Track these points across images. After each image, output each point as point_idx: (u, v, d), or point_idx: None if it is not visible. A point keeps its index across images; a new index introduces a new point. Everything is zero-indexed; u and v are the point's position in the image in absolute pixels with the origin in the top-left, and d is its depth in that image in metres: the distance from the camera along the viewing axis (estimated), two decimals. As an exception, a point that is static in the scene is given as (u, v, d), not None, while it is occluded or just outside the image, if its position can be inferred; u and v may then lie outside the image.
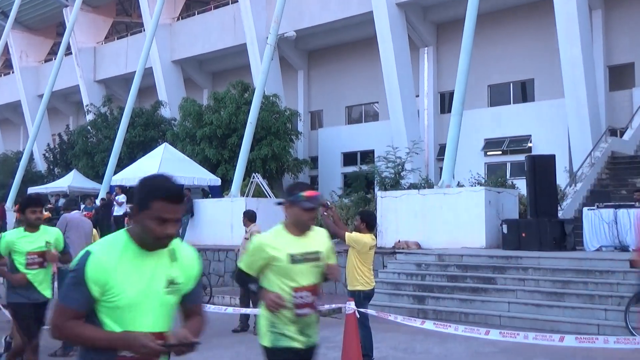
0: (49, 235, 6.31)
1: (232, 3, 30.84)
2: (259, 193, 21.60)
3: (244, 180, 21.84)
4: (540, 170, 14.49)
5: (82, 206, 21.65)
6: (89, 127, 31.57)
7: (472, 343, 8.68)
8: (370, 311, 7.72)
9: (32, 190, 27.50)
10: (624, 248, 13.28)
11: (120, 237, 2.76)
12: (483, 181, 18.85)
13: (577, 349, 8.20)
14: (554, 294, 10.77)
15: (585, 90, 21.38)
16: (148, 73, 29.76)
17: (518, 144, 24.61)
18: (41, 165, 36.94)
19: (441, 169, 18.26)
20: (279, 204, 4.38)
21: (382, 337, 8.56)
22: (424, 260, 13.34)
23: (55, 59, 32.67)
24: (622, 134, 21.91)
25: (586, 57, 21.42)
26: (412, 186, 18.33)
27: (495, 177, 19.03)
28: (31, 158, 33.61)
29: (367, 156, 26.13)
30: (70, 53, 36.20)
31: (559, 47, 21.61)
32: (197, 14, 33.47)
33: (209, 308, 9.02)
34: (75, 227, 9.58)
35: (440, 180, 16.61)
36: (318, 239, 4.24)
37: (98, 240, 2.86)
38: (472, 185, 17.33)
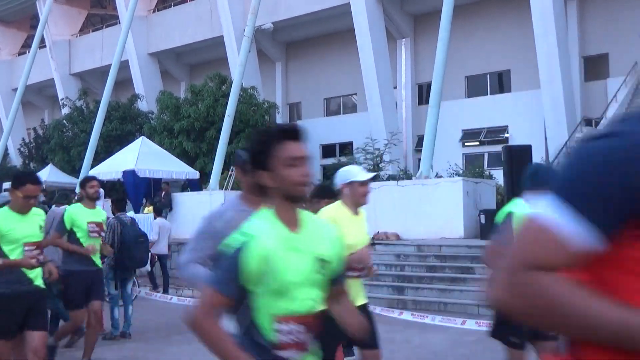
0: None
1: (208, -5, 30.63)
2: (237, 186, 21.53)
3: (222, 173, 21.76)
4: (517, 160, 14.58)
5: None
6: (64, 121, 31.22)
7: (452, 332, 8.77)
8: (349, 302, 7.75)
9: (7, 186, 27.15)
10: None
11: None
12: (461, 172, 19.00)
13: (554, 337, 8.31)
14: (531, 283, 10.88)
15: (561, 81, 21.60)
16: (124, 66, 29.45)
17: (495, 134, 24.81)
18: (16, 160, 36.45)
19: (419, 160, 18.34)
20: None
21: (361, 328, 8.59)
22: (403, 251, 13.41)
23: (29, 52, 32.21)
24: (597, 124, 22.13)
25: (561, 48, 21.63)
26: (391, 177, 18.41)
27: (473, 168, 19.19)
28: (6, 153, 33.17)
29: (346, 148, 26.21)
30: (45, 46, 35.71)
31: (534, 38, 21.79)
32: (173, 5, 33.20)
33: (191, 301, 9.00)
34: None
35: (419, 172, 16.69)
36: None
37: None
38: (450, 176, 17.46)
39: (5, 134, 31.05)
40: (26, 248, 5.08)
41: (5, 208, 5.22)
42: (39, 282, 5.25)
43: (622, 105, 21.90)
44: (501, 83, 26.03)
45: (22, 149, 34.68)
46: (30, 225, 5.17)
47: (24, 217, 5.10)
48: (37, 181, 5.16)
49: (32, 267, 5.12)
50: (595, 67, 23.80)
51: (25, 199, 5.01)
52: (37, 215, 5.33)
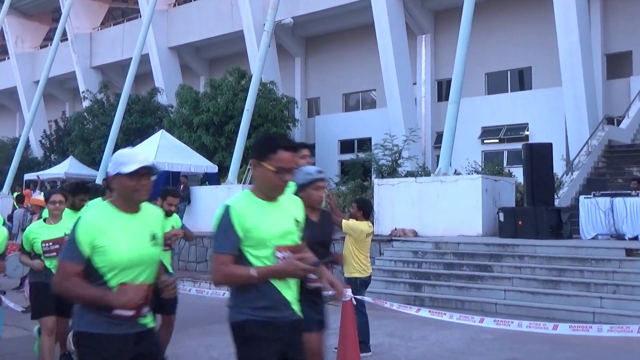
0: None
1: (229, -11, 30.67)
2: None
3: (241, 167, 21.83)
4: (537, 158, 14.50)
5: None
6: (85, 114, 31.48)
7: (468, 330, 8.73)
8: (367, 298, 7.75)
9: (28, 177, 27.46)
10: (620, 236, 13.33)
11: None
12: (480, 169, 18.87)
13: (571, 337, 8.25)
14: (550, 282, 10.81)
15: (583, 78, 21.35)
16: (144, 60, 29.62)
17: (515, 132, 24.63)
18: (38, 152, 36.83)
19: (438, 156, 18.28)
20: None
21: (378, 324, 8.60)
22: (420, 248, 13.36)
23: (51, 45, 32.44)
24: (619, 123, 21.92)
25: (584, 46, 21.38)
26: (409, 174, 18.33)
27: (492, 165, 19.05)
28: (27, 144, 33.51)
29: (364, 144, 26.13)
30: (66, 39, 36.03)
31: (556, 35, 21.57)
32: (194, 0, 33.28)
33: (208, 293, 9.05)
34: None
35: (437, 168, 16.60)
36: None
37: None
38: (469, 173, 17.36)
39: (27, 125, 31.38)
40: None
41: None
42: None
43: (645, 104, 21.66)
44: (522, 80, 25.83)
45: (43, 140, 35.03)
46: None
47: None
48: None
49: None
50: (618, 64, 23.54)
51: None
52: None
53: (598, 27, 23.17)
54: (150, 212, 3.43)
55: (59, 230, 6.23)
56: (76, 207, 6.63)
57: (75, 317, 3.33)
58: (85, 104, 32.66)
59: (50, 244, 6.24)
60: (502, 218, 14.09)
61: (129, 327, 3.21)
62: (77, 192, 6.76)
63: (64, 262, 3.19)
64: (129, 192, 3.27)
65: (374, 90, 29.11)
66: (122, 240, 3.20)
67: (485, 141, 25.34)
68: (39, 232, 6.34)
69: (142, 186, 3.28)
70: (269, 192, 3.36)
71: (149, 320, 3.36)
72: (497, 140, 25.10)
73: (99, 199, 7.44)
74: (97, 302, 3.15)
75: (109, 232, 3.20)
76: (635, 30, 22.76)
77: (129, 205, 3.32)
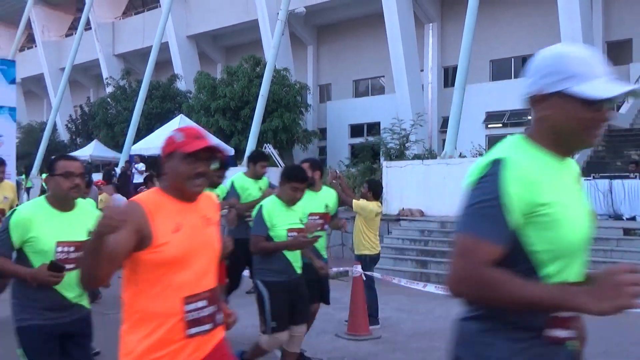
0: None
1: (244, -20, 30.53)
2: (270, 163, 21.63)
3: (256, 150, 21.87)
4: (539, 142, 14.39)
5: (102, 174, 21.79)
6: (108, 99, 31.59)
7: (472, 305, 8.75)
8: (375, 274, 7.78)
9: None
10: (618, 217, 13.27)
11: None
12: (484, 152, 18.78)
13: (571, 311, 8.26)
14: (550, 260, 10.80)
15: (584, 65, 21.11)
16: (164, 47, 29.62)
17: (519, 117, 24.46)
18: (64, 135, 37.07)
19: (444, 140, 18.20)
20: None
21: (386, 299, 8.64)
22: (427, 227, 13.38)
23: (75, 33, 32.50)
24: (618, 108, 21.72)
25: (585, 33, 21.15)
26: (416, 157, 18.29)
27: (495, 149, 18.96)
28: (54, 128, 33.72)
29: (374, 128, 26.08)
30: (90, 28, 36.06)
31: (559, 23, 21.34)
32: (211, -10, 33.18)
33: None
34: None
35: (443, 152, 16.58)
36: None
37: None
38: (473, 157, 17.29)
39: (53, 110, 31.56)
40: None
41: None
42: None
43: (643, 90, 21.44)
44: (525, 67, 25.62)
45: (69, 125, 35.23)
46: None
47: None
48: None
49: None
50: (618, 52, 23.28)
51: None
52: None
53: (600, 15, 22.91)
54: None
55: None
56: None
57: None
58: (109, 90, 32.77)
59: None
60: (505, 199, 14.02)
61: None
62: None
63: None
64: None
65: (383, 76, 28.98)
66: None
67: (489, 126, 25.21)
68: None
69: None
70: None
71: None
72: (501, 125, 24.95)
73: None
74: None
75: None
76: (635, 18, 22.49)
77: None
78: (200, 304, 2.38)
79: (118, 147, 27.69)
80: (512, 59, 25.65)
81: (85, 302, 3.43)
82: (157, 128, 24.05)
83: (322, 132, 29.78)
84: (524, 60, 25.59)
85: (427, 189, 15.19)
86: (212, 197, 2.68)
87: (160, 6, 32.48)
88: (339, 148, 28.95)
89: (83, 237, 3.14)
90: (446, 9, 26.90)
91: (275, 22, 23.96)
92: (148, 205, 2.32)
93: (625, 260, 10.06)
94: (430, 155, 18.61)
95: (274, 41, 22.95)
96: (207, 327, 2.41)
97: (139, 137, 24.91)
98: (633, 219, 13.01)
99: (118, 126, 29.50)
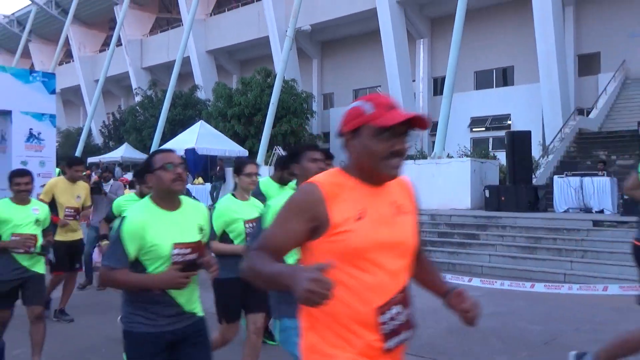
0: None
1: (256, 1, 30.51)
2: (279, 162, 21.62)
3: (267, 152, 21.88)
4: (518, 144, 14.38)
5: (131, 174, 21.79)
6: (137, 107, 31.62)
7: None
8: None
9: (91, 160, 27.72)
10: (588, 210, 13.24)
11: None
12: (469, 153, 18.74)
13: (546, 294, 8.24)
14: (528, 248, 10.77)
15: (558, 76, 21.09)
16: (186, 61, 29.68)
17: (499, 121, 24.41)
18: (98, 139, 37.13)
19: (434, 142, 18.17)
20: None
21: (383, 283, 8.61)
22: (418, 219, 13.34)
23: (108, 49, 32.55)
24: (588, 113, 21.64)
25: (559, 47, 21.09)
26: (409, 157, 18.25)
27: (479, 150, 18.91)
28: (90, 133, 33.80)
29: (371, 132, 25.96)
30: (121, 44, 36.09)
31: (535, 38, 21.27)
32: (227, 10, 33.15)
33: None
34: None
35: (433, 152, 16.56)
36: None
37: None
38: (459, 157, 17.25)
39: (89, 117, 31.66)
40: None
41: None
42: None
43: (610, 97, 21.35)
44: (505, 77, 25.52)
45: (102, 130, 35.28)
46: None
47: None
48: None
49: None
50: (588, 64, 23.18)
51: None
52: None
53: (571, 31, 22.80)
54: None
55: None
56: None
57: None
58: (137, 99, 32.80)
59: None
60: (487, 194, 14.02)
61: None
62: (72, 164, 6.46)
63: None
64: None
65: (379, 86, 28.91)
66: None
67: (473, 129, 25.14)
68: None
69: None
70: None
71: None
72: (484, 129, 24.88)
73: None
74: None
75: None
76: (603, 34, 22.38)
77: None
78: (395, 310, 1.77)
79: (146, 149, 27.71)
80: (494, 70, 25.57)
81: (198, 308, 2.85)
82: (180, 133, 24.08)
83: (326, 136, 29.75)
84: (504, 71, 25.54)
85: (419, 185, 14.80)
86: (405, 180, 1.99)
87: (182, 25, 32.52)
88: (340, 149, 28.90)
89: (196, 237, 2.75)
90: (435, 27, 26.82)
91: (284, 39, 23.93)
92: (326, 187, 1.75)
93: (594, 249, 10.04)
94: (422, 155, 18.58)
95: (282, 55, 22.94)
96: (404, 336, 1.81)
97: (164, 140, 24.94)
98: (601, 211, 12.97)
99: (146, 131, 29.52)
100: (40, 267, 4.73)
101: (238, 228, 3.96)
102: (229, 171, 21.18)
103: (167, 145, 22.36)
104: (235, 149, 22.63)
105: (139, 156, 27.66)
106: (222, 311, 4.03)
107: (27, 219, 4.62)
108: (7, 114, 12.51)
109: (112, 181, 9.58)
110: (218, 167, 20.41)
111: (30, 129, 12.57)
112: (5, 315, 4.58)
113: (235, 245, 3.95)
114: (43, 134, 12.66)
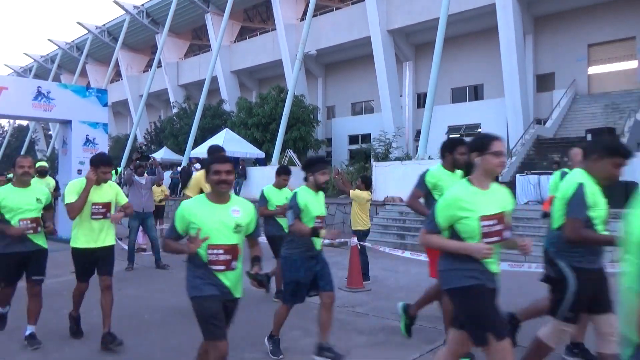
0: None
1: (272, 30, 30.45)
2: (291, 163, 21.64)
3: (280, 154, 21.87)
4: (487, 148, 14.26)
5: (170, 172, 21.85)
6: (174, 117, 31.63)
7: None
8: (367, 244, 7.77)
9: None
10: (544, 202, 13.18)
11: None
12: (446, 155, 18.64)
13: (510, 272, 8.21)
14: (494, 234, 10.70)
15: (519, 92, 20.99)
16: (214, 80, 29.67)
17: (471, 130, 24.30)
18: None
19: (417, 146, 18.12)
20: None
21: (375, 262, 8.62)
22: (404, 209, 13.31)
23: (150, 70, 32.56)
24: (545, 123, 21.54)
25: (520, 68, 20.98)
26: (397, 159, 18.23)
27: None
28: (135, 138, 33.85)
29: (366, 138, 26.00)
30: (161, 66, 36.10)
31: (501, 60, 21.17)
32: (248, 38, 33.11)
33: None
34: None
35: (417, 154, 16.50)
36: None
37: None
38: (439, 158, 17.20)
39: (134, 125, 31.70)
40: None
41: None
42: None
43: (563, 110, 21.24)
44: (476, 93, 25.41)
45: (146, 136, 35.33)
46: None
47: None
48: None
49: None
50: (544, 82, 23.06)
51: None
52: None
53: (531, 55, 22.68)
54: None
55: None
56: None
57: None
58: (174, 110, 32.82)
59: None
60: (461, 189, 13.91)
61: None
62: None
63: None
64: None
65: (373, 100, 28.86)
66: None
67: (450, 136, 25.03)
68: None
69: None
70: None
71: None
72: (459, 136, 24.78)
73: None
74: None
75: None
76: (557, 58, 22.26)
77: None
78: None
79: (181, 152, 27.76)
80: (467, 87, 25.46)
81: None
82: (209, 138, 24.08)
83: (329, 141, 29.71)
84: (475, 88, 25.43)
85: (405, 182, 15.09)
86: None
87: (211, 50, 32.50)
88: (341, 152, 28.90)
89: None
90: (419, 52, 26.71)
91: (295, 61, 23.88)
92: None
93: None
94: (408, 157, 18.53)
95: (293, 75, 22.89)
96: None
97: (196, 144, 24.95)
98: (555, 204, 12.90)
99: (181, 137, 29.54)
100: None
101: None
102: (250, 170, 21.22)
103: (198, 149, 22.38)
104: (254, 152, 22.65)
105: (176, 157, 27.70)
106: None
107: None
108: (68, 122, 12.53)
109: (146, 174, 9.63)
110: (240, 167, 20.42)
111: (87, 135, 12.60)
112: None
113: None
114: (97, 139, 12.70)
